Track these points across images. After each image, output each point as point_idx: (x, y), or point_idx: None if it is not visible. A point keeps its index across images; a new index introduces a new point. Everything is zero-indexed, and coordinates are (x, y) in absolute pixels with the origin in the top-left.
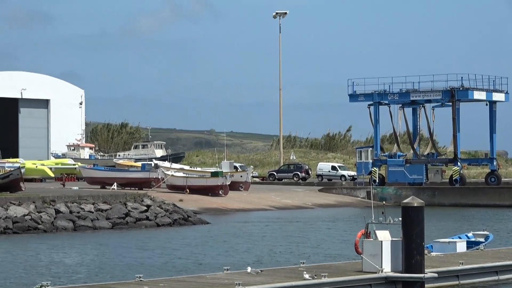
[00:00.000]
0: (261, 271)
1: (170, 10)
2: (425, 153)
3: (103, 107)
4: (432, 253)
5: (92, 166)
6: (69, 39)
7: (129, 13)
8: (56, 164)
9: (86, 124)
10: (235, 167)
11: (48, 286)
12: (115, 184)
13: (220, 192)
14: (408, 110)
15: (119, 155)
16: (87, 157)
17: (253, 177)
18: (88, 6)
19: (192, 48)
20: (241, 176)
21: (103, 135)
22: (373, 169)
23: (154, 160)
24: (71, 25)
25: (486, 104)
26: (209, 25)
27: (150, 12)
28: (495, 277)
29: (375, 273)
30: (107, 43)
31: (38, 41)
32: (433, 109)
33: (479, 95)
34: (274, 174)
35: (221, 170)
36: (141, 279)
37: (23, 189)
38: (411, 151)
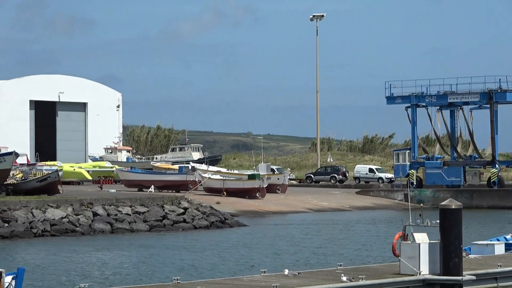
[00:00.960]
0: (298, 273)
1: (211, 14)
2: (466, 155)
3: (141, 110)
4: (470, 256)
5: (129, 168)
6: (109, 43)
7: (170, 17)
8: (94, 167)
9: (124, 127)
10: (272, 170)
11: (86, 287)
12: (153, 186)
13: (257, 194)
14: (446, 112)
15: (156, 158)
16: (125, 160)
17: (290, 179)
18: (129, 11)
19: (232, 52)
20: (278, 179)
21: (141, 138)
22: (410, 172)
23: (191, 162)
24: (112, 29)
25: None
26: (250, 29)
27: (191, 16)
28: None
29: (413, 275)
30: (148, 47)
31: (79, 45)
32: (471, 111)
33: None
34: (311, 177)
35: (258, 172)
36: (178, 281)
37: (61, 192)
38: (448, 154)
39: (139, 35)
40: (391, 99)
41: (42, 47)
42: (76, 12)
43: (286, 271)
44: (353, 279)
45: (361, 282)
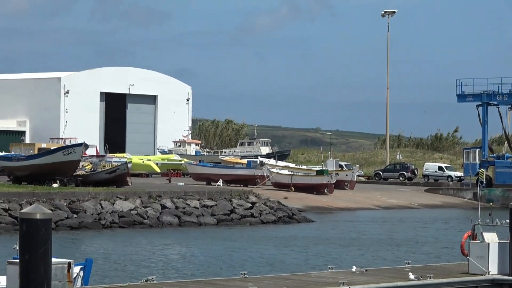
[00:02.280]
0: (366, 270)
1: (288, 9)
2: None
3: (212, 104)
4: None
5: (198, 162)
6: (184, 36)
7: (246, 11)
8: (163, 159)
9: (193, 121)
10: (341, 166)
11: (153, 280)
12: (221, 180)
13: (325, 190)
14: None
15: (225, 152)
16: (193, 153)
17: (358, 176)
18: (206, 4)
19: (306, 47)
20: (346, 175)
21: (210, 132)
22: (480, 170)
23: (259, 157)
24: (187, 22)
25: None
26: (325, 25)
27: (268, 11)
28: None
29: (482, 275)
30: (223, 41)
31: (154, 38)
32: None
33: None
34: (379, 174)
35: (326, 168)
36: (245, 275)
37: (130, 184)
38: None
39: (215, 28)
40: (462, 97)
41: (118, 39)
42: (152, 5)
43: (354, 268)
44: (420, 277)
45: (428, 281)
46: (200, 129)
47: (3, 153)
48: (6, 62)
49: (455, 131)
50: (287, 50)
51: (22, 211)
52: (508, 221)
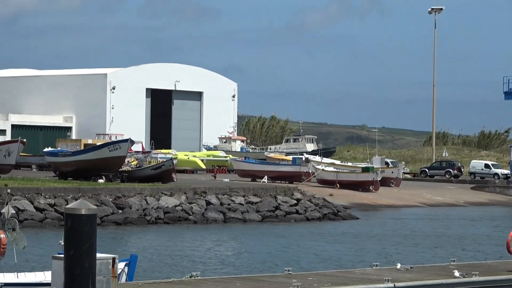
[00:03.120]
0: (410, 267)
1: (338, 6)
2: None
3: (259, 100)
4: None
5: (243, 158)
6: (234, 33)
7: (297, 8)
8: (208, 156)
9: (239, 117)
10: (386, 163)
11: (197, 276)
12: (266, 177)
13: (370, 187)
14: None
15: (270, 149)
16: (239, 150)
17: (404, 173)
18: (255, 1)
19: (355, 44)
20: (392, 172)
21: (256, 128)
22: None
23: (305, 154)
24: (237, 19)
25: None
26: (375, 21)
27: (318, 8)
28: None
29: None
30: (273, 37)
31: (204, 34)
32: None
33: None
34: (425, 171)
35: (372, 165)
36: (290, 272)
37: (175, 180)
38: None
39: (264, 25)
40: (509, 95)
41: (167, 35)
42: (203, 1)
43: (399, 265)
44: (466, 275)
45: (474, 279)
46: (247, 125)
47: (50, 148)
48: (57, 58)
49: (506, 131)
50: (336, 48)
51: (68, 206)
52: None
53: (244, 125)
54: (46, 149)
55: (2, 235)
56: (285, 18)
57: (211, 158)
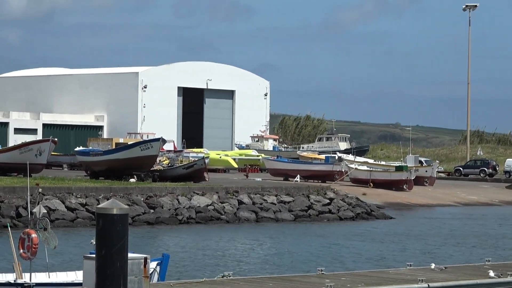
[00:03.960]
0: (445, 267)
1: (374, 3)
2: None
3: (292, 99)
4: None
5: (275, 157)
6: (268, 31)
7: (332, 6)
8: (240, 155)
9: (271, 116)
10: (420, 162)
11: (230, 276)
12: (298, 176)
13: (404, 186)
14: None
15: (302, 147)
16: (271, 149)
17: (438, 172)
18: None
19: (391, 42)
20: (426, 171)
21: (290, 127)
22: None
23: (338, 153)
24: (272, 17)
25: None
26: (410, 19)
27: (354, 5)
28: None
29: None
30: (308, 35)
31: (237, 32)
32: None
33: None
34: (460, 170)
35: (406, 164)
36: (322, 272)
37: (207, 179)
38: None
39: (299, 23)
40: None
41: (200, 33)
42: None
43: (433, 265)
44: (501, 275)
45: (509, 279)
46: (281, 124)
47: (81, 147)
48: (89, 57)
49: None
50: (371, 45)
51: (99, 206)
52: None
53: (280, 123)
54: (77, 148)
55: (34, 235)
56: (320, 15)
57: (243, 157)
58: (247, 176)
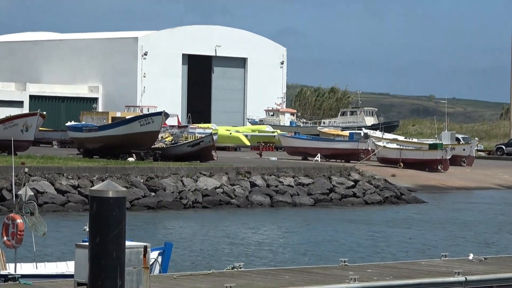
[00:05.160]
0: (484, 258)
1: None
2: None
3: (312, 68)
4: None
5: (293, 134)
6: None
7: None
8: (253, 131)
9: (288, 87)
10: (457, 139)
11: (241, 267)
12: (319, 155)
13: (438, 167)
14: None
15: (324, 123)
16: (288, 124)
17: (477, 150)
18: None
19: (429, 6)
20: (463, 150)
21: (309, 100)
22: None
23: (363, 129)
24: None
25: None
26: None
27: None
28: None
29: None
30: None
31: None
32: None
33: None
34: (502, 148)
35: (440, 142)
36: (346, 263)
37: (215, 159)
38: None
39: None
40: None
41: None
42: None
43: (471, 256)
44: None
45: None
46: (299, 96)
47: (73, 122)
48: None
49: None
50: (406, 8)
51: (93, 188)
52: None
53: (297, 96)
54: (68, 123)
55: (19, 220)
56: None
57: (256, 133)
58: (260, 155)
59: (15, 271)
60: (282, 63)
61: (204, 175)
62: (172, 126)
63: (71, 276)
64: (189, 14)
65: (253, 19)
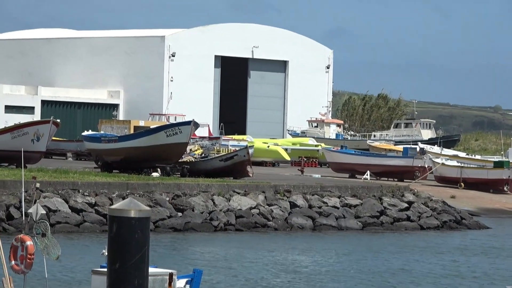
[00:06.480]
0: None
1: None
2: None
3: (362, 73)
4: None
5: (339, 148)
6: None
7: None
8: (293, 144)
9: (334, 94)
10: None
11: None
12: (368, 172)
13: (504, 188)
14: None
15: (374, 136)
16: (334, 137)
17: None
18: None
19: (502, 3)
20: None
21: (357, 109)
22: None
23: (419, 143)
24: None
25: None
26: None
27: None
28: None
29: None
30: None
31: None
32: None
33: None
34: None
35: (507, 159)
36: None
37: (251, 175)
38: None
39: None
40: None
41: None
42: None
43: None
44: None
45: None
46: (346, 105)
47: (90, 132)
48: (102, 16)
49: None
50: (476, 5)
51: (113, 207)
52: None
53: (344, 104)
54: (85, 133)
55: (29, 242)
56: None
57: (297, 147)
58: (302, 171)
59: None
60: (327, 67)
61: (238, 193)
62: (202, 138)
63: None
64: (226, 10)
65: (297, 17)
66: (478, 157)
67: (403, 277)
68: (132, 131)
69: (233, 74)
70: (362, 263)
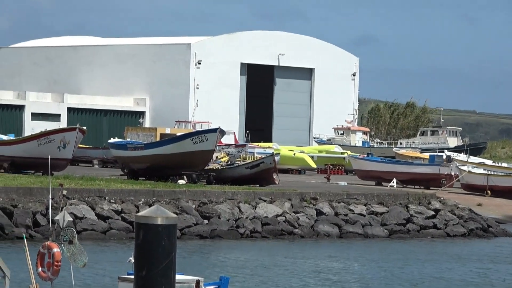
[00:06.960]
0: None
1: None
2: None
3: (388, 81)
4: None
5: (365, 156)
6: None
7: None
8: (320, 151)
9: (360, 102)
10: None
11: None
12: (395, 180)
13: None
14: None
15: (400, 143)
16: (360, 145)
17: None
18: None
19: None
20: None
21: (384, 117)
22: None
23: (446, 151)
24: None
25: None
26: None
27: None
28: None
29: None
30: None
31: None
32: None
33: None
34: None
35: None
36: None
37: (277, 183)
38: None
39: None
40: None
41: None
42: None
43: None
44: None
45: None
46: (372, 113)
47: (116, 139)
48: (128, 24)
49: None
50: (505, 14)
51: (140, 214)
52: None
53: (371, 112)
54: (111, 140)
55: (56, 249)
56: None
57: (323, 154)
58: (328, 179)
59: None
60: (354, 74)
61: (264, 201)
62: (229, 145)
63: None
64: (251, 18)
65: (323, 25)
66: (504, 164)
67: (435, 285)
68: (158, 139)
69: (259, 81)
70: (392, 271)
